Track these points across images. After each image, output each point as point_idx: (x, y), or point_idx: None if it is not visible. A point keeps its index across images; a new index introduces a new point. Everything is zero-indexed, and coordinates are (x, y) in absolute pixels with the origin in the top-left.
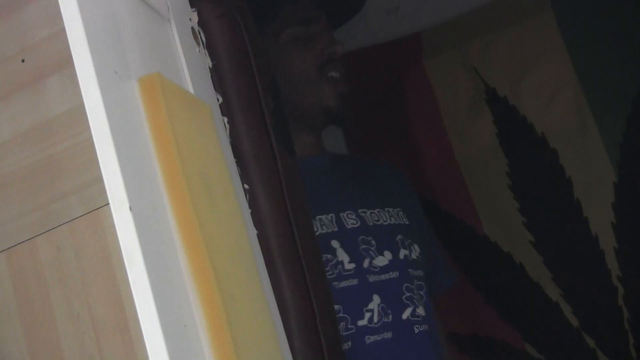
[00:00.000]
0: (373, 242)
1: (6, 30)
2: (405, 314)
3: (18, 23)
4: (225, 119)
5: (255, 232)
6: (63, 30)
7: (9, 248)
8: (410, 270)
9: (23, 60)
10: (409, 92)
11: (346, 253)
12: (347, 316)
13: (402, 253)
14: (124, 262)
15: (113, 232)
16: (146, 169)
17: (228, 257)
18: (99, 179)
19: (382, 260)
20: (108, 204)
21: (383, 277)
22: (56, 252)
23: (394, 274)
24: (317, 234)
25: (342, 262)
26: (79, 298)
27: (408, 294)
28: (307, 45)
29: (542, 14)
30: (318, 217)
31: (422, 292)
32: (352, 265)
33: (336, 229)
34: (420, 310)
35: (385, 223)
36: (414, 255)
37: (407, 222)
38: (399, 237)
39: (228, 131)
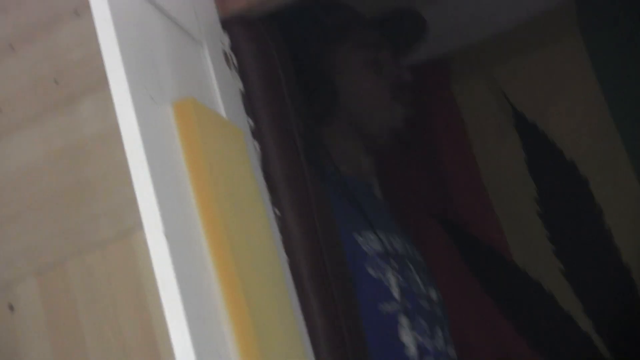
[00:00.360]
0: (424, 275)
1: (40, 52)
2: (451, 352)
3: (52, 45)
4: (257, 143)
5: (286, 257)
6: (96, 52)
7: (40, 271)
8: (444, 312)
9: (56, 82)
10: (437, 116)
11: (419, 276)
12: (430, 333)
13: (438, 294)
14: (155, 286)
15: (145, 255)
16: (180, 193)
17: (260, 282)
18: (131, 202)
19: (434, 295)
20: (140, 227)
21: (437, 310)
22: (87, 276)
23: (440, 312)
24: (390, 248)
25: (418, 283)
26: (109, 322)
27: (448, 334)
28: (377, 69)
29: (571, 39)
30: (389, 234)
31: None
32: (422, 289)
33: (405, 252)
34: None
35: (421, 260)
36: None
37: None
38: (432, 276)
39: (259, 155)
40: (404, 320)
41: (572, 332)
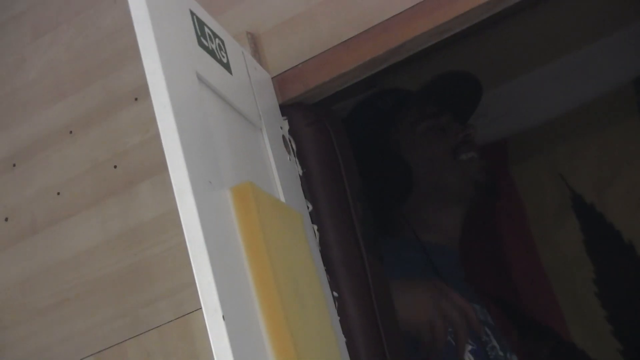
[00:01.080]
0: (503, 340)
1: (99, 136)
2: None
3: (111, 129)
4: (316, 227)
5: (344, 339)
6: (154, 137)
7: (98, 352)
8: None
9: (115, 166)
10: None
11: (495, 340)
12: None
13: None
14: None
15: (202, 337)
16: (238, 277)
17: None
18: (188, 285)
19: (515, 358)
20: (197, 309)
21: None
22: (145, 357)
23: None
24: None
25: (496, 348)
26: None
27: None
28: (440, 134)
29: (629, 120)
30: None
31: None
32: (502, 354)
33: (482, 317)
34: None
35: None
36: None
37: None
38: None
39: (318, 239)
40: None
41: None
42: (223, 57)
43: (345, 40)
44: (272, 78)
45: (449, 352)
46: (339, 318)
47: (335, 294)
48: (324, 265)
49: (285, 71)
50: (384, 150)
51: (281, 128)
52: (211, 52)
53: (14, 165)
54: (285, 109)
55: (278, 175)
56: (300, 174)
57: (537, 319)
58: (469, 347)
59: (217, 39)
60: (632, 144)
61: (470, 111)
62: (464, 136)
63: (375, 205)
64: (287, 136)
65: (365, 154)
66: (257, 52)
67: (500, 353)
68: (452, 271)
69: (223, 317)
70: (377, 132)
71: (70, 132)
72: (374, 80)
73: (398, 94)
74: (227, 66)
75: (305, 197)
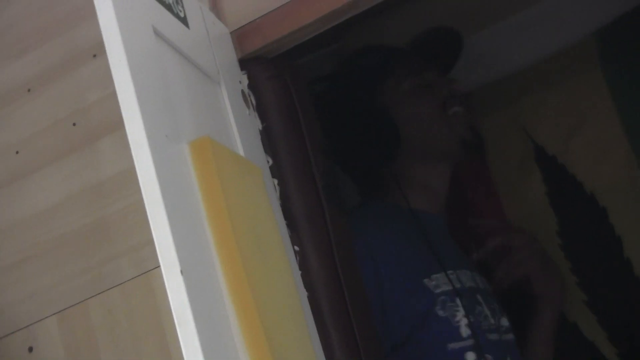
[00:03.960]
0: (494, 305)
1: (59, 94)
2: None
3: (70, 86)
4: (276, 181)
5: (306, 293)
6: (114, 93)
7: (60, 310)
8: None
9: (74, 124)
10: None
11: (488, 309)
12: None
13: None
14: (175, 324)
15: (164, 294)
16: (197, 232)
17: (279, 318)
18: (150, 241)
19: (505, 322)
20: (159, 266)
21: (508, 337)
22: (107, 314)
23: (512, 337)
24: (458, 285)
25: (487, 316)
26: None
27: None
28: (426, 90)
29: (591, 73)
30: (458, 270)
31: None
32: (493, 321)
33: (474, 285)
34: None
35: (489, 289)
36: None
37: None
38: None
39: (278, 193)
40: (470, 357)
41: None
42: (180, 11)
43: None
44: (230, 32)
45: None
46: (300, 272)
47: (296, 247)
48: (285, 219)
49: (244, 25)
50: (370, 108)
51: (240, 82)
52: (168, 7)
53: None
54: (245, 63)
55: (237, 129)
56: (260, 128)
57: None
58: (465, 321)
59: None
60: (594, 96)
61: (452, 64)
62: (449, 90)
63: (364, 166)
64: (247, 90)
65: (352, 113)
66: (215, 6)
67: (492, 321)
68: (442, 239)
69: (181, 272)
70: (363, 90)
71: (29, 90)
72: (341, 34)
73: (382, 51)
74: (184, 20)
75: (265, 152)
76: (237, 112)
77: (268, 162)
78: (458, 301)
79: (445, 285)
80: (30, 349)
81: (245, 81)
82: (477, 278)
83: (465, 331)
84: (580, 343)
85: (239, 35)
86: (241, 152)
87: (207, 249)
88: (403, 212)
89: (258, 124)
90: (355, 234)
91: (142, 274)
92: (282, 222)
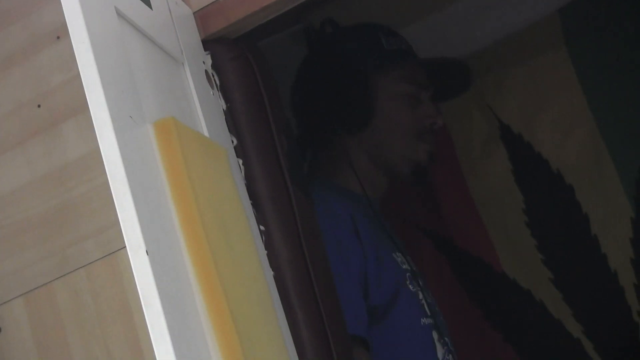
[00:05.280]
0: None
1: (22, 76)
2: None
3: (33, 69)
4: (241, 161)
5: (272, 273)
6: (78, 75)
7: (26, 292)
8: None
9: (39, 106)
10: None
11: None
12: (453, 350)
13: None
14: (141, 304)
15: (130, 275)
16: (162, 212)
17: (245, 298)
18: (115, 223)
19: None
20: (124, 247)
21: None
22: (74, 296)
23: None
24: (403, 267)
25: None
26: (97, 341)
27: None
28: (414, 105)
29: (555, 50)
30: (398, 253)
31: None
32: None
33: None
34: None
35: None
36: None
37: None
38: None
39: (243, 173)
40: (435, 335)
41: (562, 338)
42: None
43: None
44: (193, 13)
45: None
46: (266, 252)
47: (262, 227)
48: (250, 199)
49: (207, 6)
50: (361, 82)
51: (204, 63)
52: None
53: None
54: (208, 44)
55: (201, 110)
56: (224, 108)
57: (468, 251)
58: (424, 301)
59: None
60: (559, 73)
61: (449, 97)
62: (432, 124)
63: (324, 134)
64: (210, 71)
65: (343, 74)
66: None
67: (428, 300)
68: (376, 221)
69: (147, 252)
70: (367, 65)
71: None
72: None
73: (405, 44)
74: (146, 1)
75: (230, 132)
76: (201, 93)
77: (233, 142)
78: (419, 281)
79: (405, 264)
80: None
81: (209, 61)
82: (411, 262)
83: (427, 310)
84: (546, 320)
85: (202, 16)
86: (205, 133)
87: (172, 229)
88: (351, 194)
89: (222, 104)
90: (327, 200)
91: (107, 255)
92: (248, 202)
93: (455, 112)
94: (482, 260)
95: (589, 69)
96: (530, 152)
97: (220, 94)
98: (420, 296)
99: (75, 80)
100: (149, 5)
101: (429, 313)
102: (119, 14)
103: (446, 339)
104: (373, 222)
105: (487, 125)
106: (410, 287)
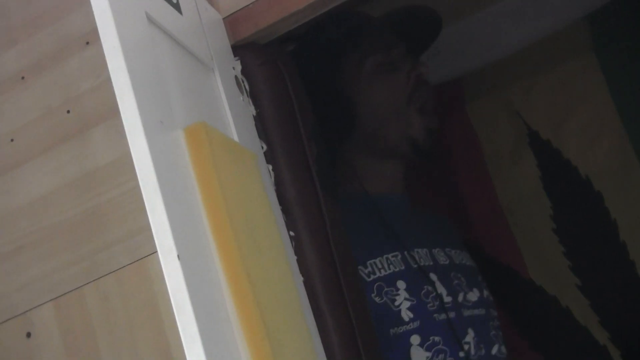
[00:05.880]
0: (463, 279)
1: (51, 82)
2: (494, 350)
3: (62, 74)
4: (270, 167)
5: (302, 279)
6: (107, 81)
7: (56, 297)
8: (491, 310)
9: (68, 111)
10: (452, 137)
11: (443, 286)
12: (447, 348)
13: (485, 293)
14: (171, 309)
15: (159, 280)
16: (193, 217)
17: (275, 303)
18: (145, 228)
19: (473, 296)
20: (154, 252)
21: (475, 312)
22: (103, 301)
23: (482, 311)
24: (415, 265)
25: (441, 295)
26: (126, 347)
27: (493, 332)
28: (391, 71)
29: (584, 56)
30: (416, 249)
31: (500, 332)
32: (450, 299)
33: (432, 263)
34: (504, 349)
35: (467, 263)
36: (491, 297)
37: (475, 265)
38: (479, 277)
39: (273, 179)
40: (415, 340)
41: (588, 345)
42: None
43: None
44: (223, 18)
45: None
46: (296, 257)
47: (291, 233)
48: (280, 204)
49: (236, 11)
50: (329, 84)
51: (233, 69)
52: None
53: None
54: (237, 49)
55: (231, 115)
56: (254, 114)
57: (495, 257)
58: (407, 304)
59: None
60: (587, 79)
61: (425, 47)
62: (418, 77)
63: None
64: (240, 76)
65: (313, 88)
66: None
67: (447, 299)
68: (401, 219)
69: (178, 256)
70: (325, 63)
71: (23, 77)
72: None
73: (356, 19)
74: (177, 6)
75: (260, 137)
76: (231, 98)
77: (262, 147)
78: (400, 284)
79: (384, 270)
80: (28, 335)
81: (239, 67)
82: (454, 254)
83: (407, 314)
84: (573, 327)
85: (232, 21)
86: (235, 138)
87: (203, 234)
88: (358, 197)
89: (252, 110)
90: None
91: (137, 260)
92: (278, 208)
93: (484, 118)
94: (509, 266)
95: (617, 75)
96: (558, 158)
97: (249, 99)
98: (398, 301)
99: (104, 85)
100: (179, 11)
101: (405, 319)
102: (150, 19)
103: (436, 338)
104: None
105: (515, 132)
106: (377, 298)
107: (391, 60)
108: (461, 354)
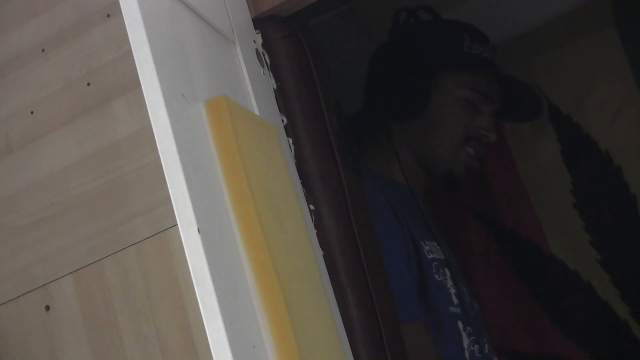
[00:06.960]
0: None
1: (72, 54)
2: (487, 348)
3: (83, 47)
4: (291, 140)
5: (322, 252)
6: (128, 53)
7: (76, 270)
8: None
9: (89, 84)
10: None
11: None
12: (477, 340)
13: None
14: (190, 283)
15: (179, 253)
16: (213, 190)
17: (295, 277)
18: (165, 201)
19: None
20: (174, 225)
21: (475, 306)
22: (123, 274)
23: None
24: (443, 257)
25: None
26: (146, 320)
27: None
28: (471, 113)
29: (605, 31)
30: (427, 242)
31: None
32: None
33: (444, 257)
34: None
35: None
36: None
37: None
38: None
39: (293, 152)
40: (460, 325)
41: (609, 320)
42: None
43: None
44: None
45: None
46: (316, 231)
47: (311, 207)
48: (300, 178)
49: None
50: (425, 75)
51: (254, 42)
52: None
53: None
54: (259, 22)
55: (252, 88)
56: (275, 87)
57: (516, 232)
58: (454, 290)
59: None
60: (608, 54)
61: (514, 119)
62: (482, 136)
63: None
64: (261, 50)
65: (410, 64)
66: None
67: (468, 297)
68: (412, 209)
69: (198, 230)
70: (437, 59)
71: (43, 50)
72: None
73: (485, 52)
74: None
75: (280, 111)
76: (251, 72)
77: (283, 121)
78: (447, 270)
79: (435, 253)
80: (47, 308)
81: (260, 40)
82: (448, 254)
83: (454, 299)
84: (594, 302)
85: None
86: (256, 111)
87: (223, 207)
88: (389, 181)
89: (273, 84)
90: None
91: (157, 233)
92: (298, 182)
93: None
94: (530, 241)
95: (638, 49)
96: (579, 133)
97: (270, 73)
98: (448, 285)
99: (125, 58)
100: None
101: (455, 302)
102: None
103: (469, 328)
104: (410, 209)
105: None
106: (436, 276)
107: (478, 107)
108: (486, 347)
